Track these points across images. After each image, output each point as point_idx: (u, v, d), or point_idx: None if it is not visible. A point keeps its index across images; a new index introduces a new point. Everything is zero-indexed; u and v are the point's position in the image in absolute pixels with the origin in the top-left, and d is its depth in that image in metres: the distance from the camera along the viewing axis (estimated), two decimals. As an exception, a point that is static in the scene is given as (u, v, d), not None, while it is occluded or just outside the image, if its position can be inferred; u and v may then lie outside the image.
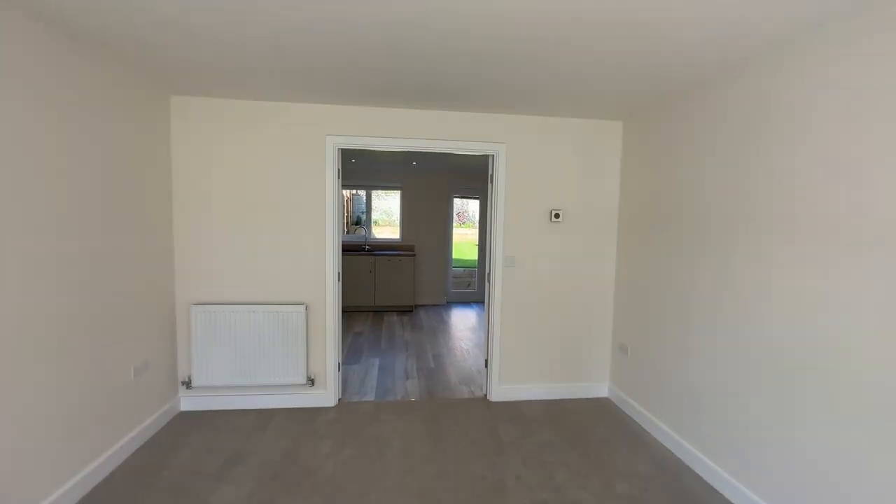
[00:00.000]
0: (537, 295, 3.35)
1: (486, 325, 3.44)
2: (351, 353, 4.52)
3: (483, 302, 7.18)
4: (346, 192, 7.50)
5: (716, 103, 2.34)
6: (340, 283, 3.32)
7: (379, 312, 6.46)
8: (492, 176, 3.30)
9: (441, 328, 5.63)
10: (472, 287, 8.63)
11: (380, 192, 7.56)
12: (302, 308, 3.07)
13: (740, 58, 2.07)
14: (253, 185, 3.04)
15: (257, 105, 2.99)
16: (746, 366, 2.12)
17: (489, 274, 3.36)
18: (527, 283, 3.33)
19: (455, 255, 7.63)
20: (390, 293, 6.50)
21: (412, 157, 5.67)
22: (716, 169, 2.32)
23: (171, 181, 2.95)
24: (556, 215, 3.28)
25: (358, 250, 6.79)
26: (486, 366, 3.43)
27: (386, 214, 10.24)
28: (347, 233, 7.40)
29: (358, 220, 14.90)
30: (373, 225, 7.80)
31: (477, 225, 8.10)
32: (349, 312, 6.38)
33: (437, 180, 7.00)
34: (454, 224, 7.38)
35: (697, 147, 2.48)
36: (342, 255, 6.75)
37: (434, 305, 7.04)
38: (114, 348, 2.38)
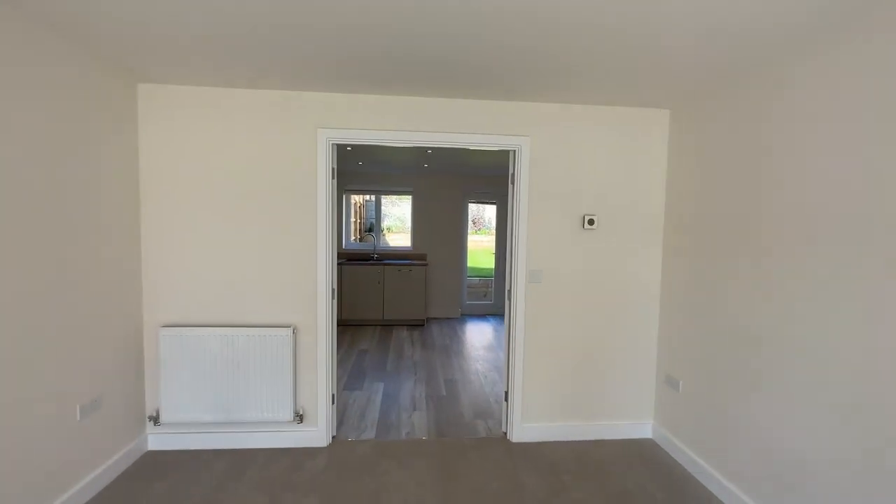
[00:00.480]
0: (567, 315, 2.82)
1: (507, 352, 2.93)
2: (353, 375, 4.04)
3: (501, 315, 6.66)
4: (359, 198, 7.08)
5: (824, 77, 1.80)
6: (335, 300, 2.85)
7: (387, 327, 5.99)
8: (513, 175, 2.80)
9: (454, 346, 5.12)
10: (488, 298, 8.10)
11: (393, 197, 7.14)
12: (288, 331, 2.61)
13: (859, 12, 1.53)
14: (233, 188, 2.60)
15: (237, 94, 2.56)
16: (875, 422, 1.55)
17: (510, 290, 2.85)
18: (554, 302, 2.81)
19: (469, 262, 7.13)
20: (400, 306, 6.02)
21: (423, 159, 5.22)
22: (816, 161, 1.78)
23: (139, 182, 2.54)
24: (590, 221, 2.76)
25: (366, 260, 6.34)
26: (506, 399, 2.91)
27: (400, 221, 9.80)
28: (361, 240, 6.97)
29: (371, 228, 14.52)
30: (386, 232, 7.38)
31: (493, 231, 7.60)
32: (355, 326, 5.92)
33: (451, 184, 6.53)
34: (469, 231, 6.88)
35: (785, 135, 1.93)
36: (348, 264, 6.38)
37: (447, 319, 6.54)
38: (54, 384, 1.94)
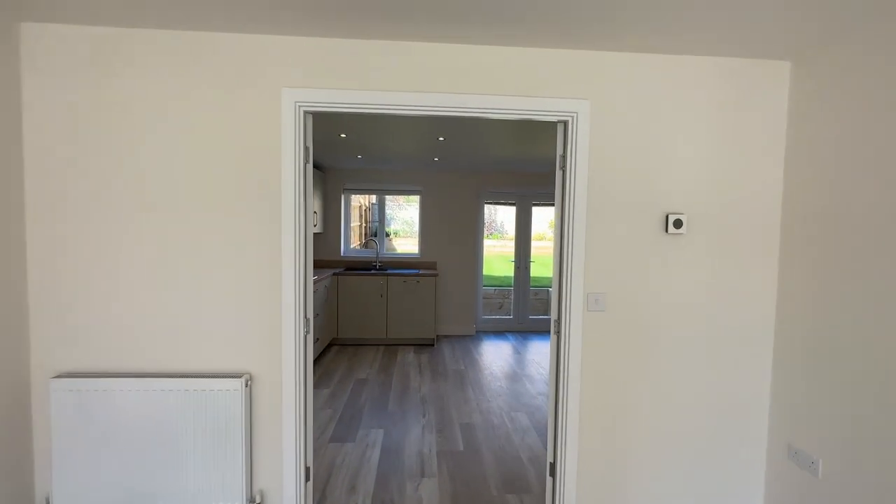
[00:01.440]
0: (642, 357, 1.97)
1: (552, 408, 2.07)
2: (346, 418, 3.22)
3: (521, 332, 5.78)
4: (363, 200, 6.28)
5: None
6: (311, 333, 2.03)
7: (392, 347, 5.16)
8: (563, 158, 1.96)
9: (470, 374, 4.27)
10: (504, 310, 7.25)
11: (400, 199, 6.34)
12: (239, 382, 1.79)
13: None
14: (159, 179, 1.80)
15: (159, 38, 1.76)
16: None
17: (557, 321, 2.01)
18: (623, 338, 1.96)
19: (483, 269, 6.28)
20: (406, 322, 5.19)
21: (433, 151, 4.40)
22: None
23: (24, 167, 1.75)
24: (676, 223, 1.91)
25: (367, 269, 5.53)
26: (552, 472, 2.05)
27: (408, 225, 9.00)
28: (365, 246, 6.17)
29: (376, 231, 13.77)
30: (392, 237, 6.58)
31: (505, 235, 6.80)
32: (354, 347, 5.10)
33: (465, 182, 5.71)
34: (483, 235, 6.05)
35: None
36: (346, 275, 5.24)
37: (461, 337, 5.69)
38: None
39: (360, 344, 5.21)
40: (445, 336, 5.71)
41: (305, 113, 1.88)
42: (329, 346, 5.12)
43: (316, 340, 4.32)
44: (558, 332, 2.01)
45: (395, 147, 4.22)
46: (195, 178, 1.81)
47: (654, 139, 1.91)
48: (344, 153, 4.58)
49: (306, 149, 1.90)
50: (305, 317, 1.95)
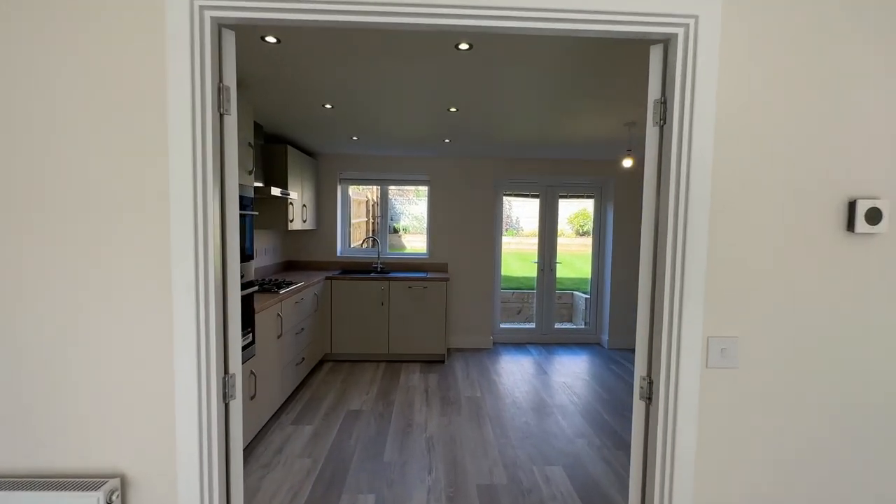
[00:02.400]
0: (809, 452, 1.15)
1: (634, 515, 1.26)
2: (327, 474, 2.45)
3: (545, 344, 4.94)
4: (370, 193, 5.49)
5: None
6: (237, 398, 1.25)
7: (395, 364, 4.38)
8: (662, 106, 1.15)
9: (488, 403, 3.47)
10: (524, 315, 6.43)
11: (409, 190, 5.55)
12: (96, 497, 1.02)
13: None
14: (-37, 131, 1.03)
15: None
16: None
17: (648, 381, 1.20)
18: (771, 416, 1.14)
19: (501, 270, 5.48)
20: (412, 335, 4.41)
21: (444, 130, 3.59)
22: None
23: None
24: (870, 216, 1.08)
25: (367, 272, 4.76)
26: None
27: (419, 221, 8.23)
28: (373, 246, 5.40)
29: (393, 230, 13.02)
30: (402, 234, 5.83)
31: (521, 232, 6.03)
32: (351, 364, 4.34)
33: (480, 170, 4.89)
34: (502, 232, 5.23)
35: None
36: (342, 279, 4.26)
37: (475, 351, 4.89)
38: None
39: (358, 360, 4.44)
40: (458, 350, 4.92)
41: (220, 26, 1.09)
42: (321, 363, 4.37)
43: (300, 361, 3.56)
44: (650, 398, 1.20)
45: (395, 125, 3.42)
46: (28, 134, 1.03)
47: (832, 69, 1.08)
48: (336, 135, 3.80)
49: (221, 89, 1.11)
50: (225, 373, 1.17)
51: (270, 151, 3.78)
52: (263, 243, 4.17)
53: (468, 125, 3.41)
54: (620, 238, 5.01)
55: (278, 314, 3.02)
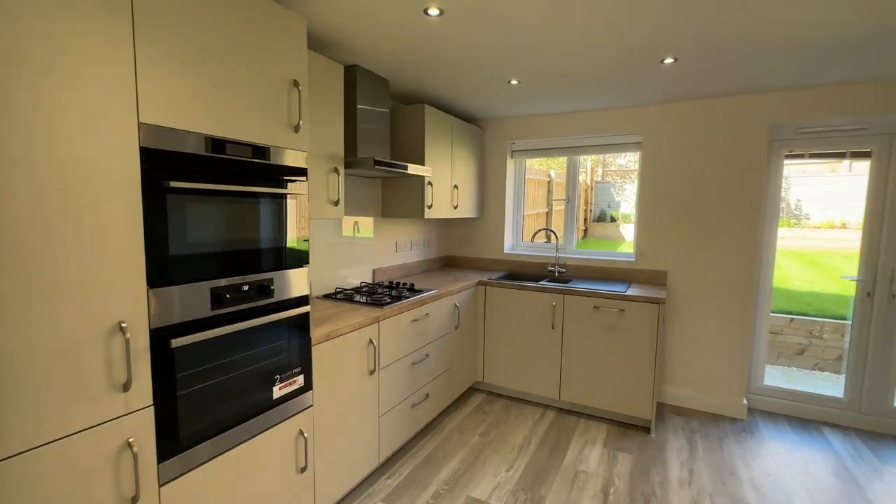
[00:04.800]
0: None
1: None
2: None
3: (868, 434, 2.57)
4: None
5: None
6: None
7: (566, 417, 2.95)
8: None
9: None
10: (811, 358, 3.95)
11: (609, 156, 3.94)
12: None
13: None
14: None
15: None
16: None
17: None
18: None
19: (779, 280, 3.26)
20: (597, 378, 2.88)
21: (663, 36, 1.93)
22: None
23: None
24: None
25: (537, 278, 3.45)
26: None
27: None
28: (550, 240, 4.11)
29: (601, 216, 11.06)
30: (618, 222, 4.34)
31: (803, 222, 3.64)
32: (507, 401, 3.14)
33: (737, 114, 2.86)
34: (779, 221, 3.02)
35: None
36: (501, 285, 2.79)
37: (710, 419, 2.95)
38: None
39: (516, 399, 3.21)
40: (677, 410, 3.09)
41: None
42: (470, 391, 3.33)
43: (421, 401, 2.59)
44: None
45: (571, 39, 1.98)
46: None
47: None
48: (480, 75, 2.60)
49: None
50: None
51: (400, 115, 2.89)
52: (410, 235, 3.37)
53: (713, 18, 1.67)
54: None
55: (370, 340, 2.09)
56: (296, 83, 1.59)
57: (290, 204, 1.61)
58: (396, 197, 2.98)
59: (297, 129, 1.60)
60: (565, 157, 3.62)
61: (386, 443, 2.27)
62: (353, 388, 2.00)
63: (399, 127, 2.90)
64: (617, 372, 2.80)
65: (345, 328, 1.91)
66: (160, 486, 1.25)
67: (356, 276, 2.84)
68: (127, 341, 1.13)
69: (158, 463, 1.24)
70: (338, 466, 1.94)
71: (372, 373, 2.12)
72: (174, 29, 1.21)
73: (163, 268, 1.22)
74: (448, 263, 3.97)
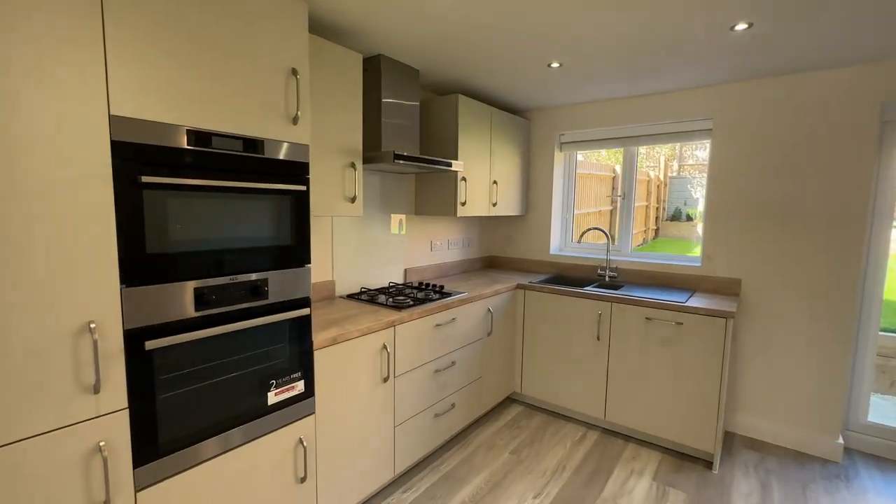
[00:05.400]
0: None
1: None
2: None
3: None
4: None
5: None
6: None
7: (612, 439, 2.63)
8: None
9: None
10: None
11: (684, 149, 3.55)
12: None
13: None
14: None
15: None
16: None
17: None
18: None
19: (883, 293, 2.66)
20: (649, 399, 2.53)
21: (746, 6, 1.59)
22: None
23: None
24: None
25: (583, 283, 3.13)
26: None
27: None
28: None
29: (676, 214, 10.25)
30: (695, 220, 3.95)
31: None
32: (545, 416, 2.87)
33: (840, 91, 2.35)
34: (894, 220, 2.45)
35: None
36: (538, 289, 2.70)
37: (793, 457, 2.46)
38: None
39: (555, 415, 2.93)
40: (749, 441, 2.62)
41: None
42: (506, 402, 3.10)
43: (445, 411, 2.43)
44: None
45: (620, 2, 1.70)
46: None
47: None
48: (515, 57, 2.37)
49: None
50: None
51: (434, 107, 2.74)
52: (447, 233, 3.22)
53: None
54: None
55: (384, 346, 1.96)
56: (294, 72, 1.49)
57: (289, 200, 1.52)
58: (429, 194, 2.83)
59: (295, 120, 1.51)
60: (621, 149, 3.24)
61: (403, 454, 2.14)
62: (363, 396, 1.88)
63: (432, 119, 2.75)
64: (673, 394, 2.43)
65: (354, 332, 1.80)
66: (137, 491, 1.21)
67: (386, 276, 2.74)
68: (95, 342, 1.09)
69: (135, 468, 1.20)
70: (344, 477, 1.83)
71: (386, 380, 1.99)
72: (151, 13, 1.15)
73: (139, 266, 1.17)
74: (490, 264, 3.76)
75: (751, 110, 2.58)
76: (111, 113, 1.10)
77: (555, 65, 2.37)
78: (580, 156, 3.53)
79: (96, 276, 1.10)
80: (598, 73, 2.49)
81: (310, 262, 1.62)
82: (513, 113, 3.46)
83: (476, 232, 3.56)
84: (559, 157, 3.42)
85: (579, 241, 3.27)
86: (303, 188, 1.54)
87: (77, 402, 1.09)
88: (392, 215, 2.74)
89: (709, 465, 2.38)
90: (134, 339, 1.18)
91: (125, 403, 1.17)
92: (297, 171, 1.54)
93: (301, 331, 1.60)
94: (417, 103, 2.48)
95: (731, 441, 2.63)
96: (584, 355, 2.73)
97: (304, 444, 1.63)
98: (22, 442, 1.02)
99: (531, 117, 3.44)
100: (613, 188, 4.91)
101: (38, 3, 0.97)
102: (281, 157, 1.49)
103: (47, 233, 1.02)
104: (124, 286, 1.15)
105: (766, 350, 2.62)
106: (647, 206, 8.33)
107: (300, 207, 1.56)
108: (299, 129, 1.53)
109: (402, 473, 2.25)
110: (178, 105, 1.22)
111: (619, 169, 4.36)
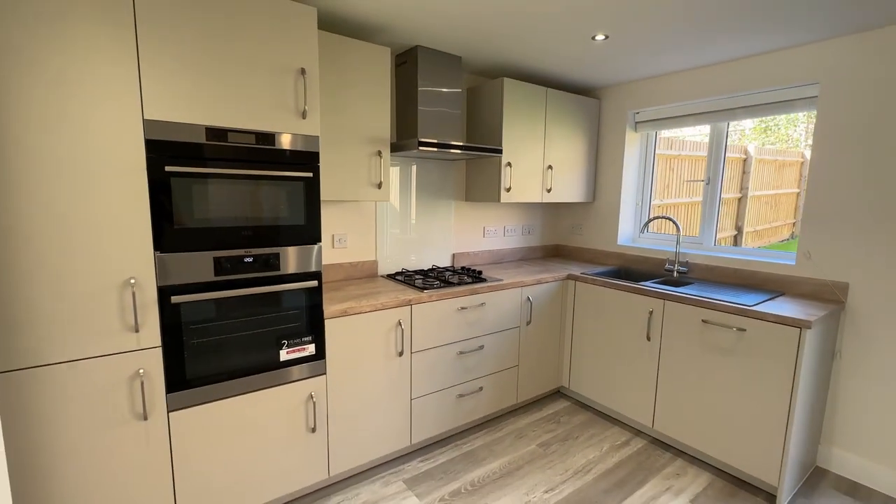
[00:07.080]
0: None
1: None
2: None
3: None
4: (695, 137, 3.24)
5: None
6: None
7: (658, 451, 2.37)
8: None
9: None
10: None
11: (767, 119, 3.00)
12: None
13: None
14: None
15: None
16: None
17: None
18: None
19: None
20: (703, 411, 2.22)
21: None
22: None
23: None
24: None
25: (647, 277, 2.84)
26: None
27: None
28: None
29: None
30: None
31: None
32: (591, 414, 2.71)
33: None
34: None
35: None
36: (588, 280, 2.69)
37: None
38: None
39: (602, 415, 2.73)
40: (840, 481, 2.12)
41: None
42: (554, 395, 2.99)
43: (470, 392, 2.47)
44: None
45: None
46: None
47: None
48: (550, 28, 2.23)
49: None
50: None
51: (482, 92, 2.73)
52: (503, 220, 3.22)
53: None
54: None
55: (399, 322, 2.10)
56: (303, 71, 1.69)
57: (300, 186, 1.74)
58: (477, 180, 2.86)
59: (304, 115, 1.71)
60: (708, 126, 2.81)
61: (419, 427, 2.27)
62: (376, 366, 2.06)
63: (482, 105, 2.76)
64: (732, 410, 2.09)
65: (366, 307, 1.98)
66: (169, 412, 1.56)
67: (432, 259, 2.87)
68: (133, 294, 1.44)
69: (167, 393, 1.55)
70: (356, 436, 2.04)
71: (401, 354, 2.13)
72: (177, 30, 1.44)
73: (169, 237, 1.49)
74: (555, 253, 3.61)
75: (868, 70, 2.02)
76: (144, 117, 1.42)
77: (599, 37, 2.18)
78: (679, 134, 3.14)
79: (136, 243, 1.44)
80: (664, 39, 2.21)
81: (320, 241, 1.83)
82: (580, 93, 3.24)
83: (538, 219, 3.45)
84: (633, 138, 3.11)
85: (642, 231, 2.95)
86: (309, 175, 1.75)
87: (122, 337, 1.46)
88: (440, 201, 2.84)
89: (772, 498, 2.01)
90: (164, 294, 1.51)
91: (159, 342, 1.52)
92: (306, 159, 1.75)
93: (312, 300, 1.83)
94: (460, 90, 2.52)
95: (818, 478, 2.17)
96: (632, 356, 2.50)
97: (314, 399, 1.87)
98: (86, 360, 1.41)
99: (602, 96, 3.18)
100: (744, 172, 4.25)
101: (93, 43, 1.31)
102: (291, 147, 1.71)
103: (102, 210, 1.38)
104: (158, 252, 1.48)
105: (878, 374, 2.07)
106: (796, 195, 6.90)
107: (310, 192, 1.77)
108: (308, 122, 1.73)
109: (423, 446, 2.38)
110: (199, 107, 1.51)
111: (752, 148, 3.81)
